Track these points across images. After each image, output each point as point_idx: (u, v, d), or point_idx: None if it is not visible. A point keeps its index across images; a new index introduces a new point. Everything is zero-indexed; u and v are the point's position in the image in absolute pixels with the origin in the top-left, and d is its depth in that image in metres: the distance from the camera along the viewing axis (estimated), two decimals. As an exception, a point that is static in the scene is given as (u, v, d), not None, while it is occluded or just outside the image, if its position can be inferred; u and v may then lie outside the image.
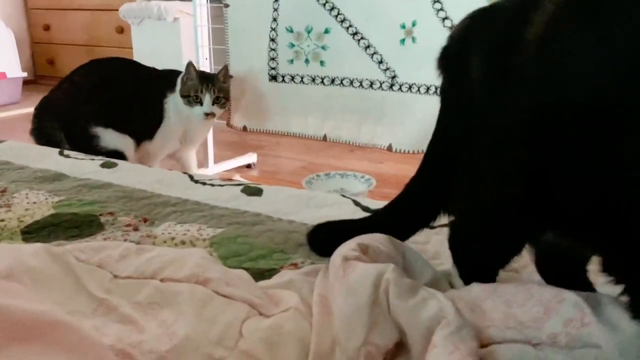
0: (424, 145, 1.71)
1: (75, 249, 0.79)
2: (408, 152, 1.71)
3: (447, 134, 0.72)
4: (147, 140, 1.92)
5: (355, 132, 1.85)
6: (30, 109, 3.47)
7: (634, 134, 0.50)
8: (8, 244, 0.89)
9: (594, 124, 0.52)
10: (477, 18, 0.67)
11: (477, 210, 0.67)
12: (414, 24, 1.65)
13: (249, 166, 2.36)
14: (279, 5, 1.86)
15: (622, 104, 0.50)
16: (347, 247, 0.71)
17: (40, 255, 0.76)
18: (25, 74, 3.59)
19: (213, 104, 1.85)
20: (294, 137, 1.99)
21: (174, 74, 1.93)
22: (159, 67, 1.96)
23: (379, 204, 1.05)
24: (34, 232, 0.96)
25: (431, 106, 1.70)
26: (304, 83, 1.90)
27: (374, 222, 0.82)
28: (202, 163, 2.23)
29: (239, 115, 2.08)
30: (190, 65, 1.87)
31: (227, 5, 1.96)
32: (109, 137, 1.79)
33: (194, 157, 2.08)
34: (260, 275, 0.79)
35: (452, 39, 0.70)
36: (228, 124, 2.11)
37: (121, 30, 3.65)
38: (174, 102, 1.90)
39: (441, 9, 1.59)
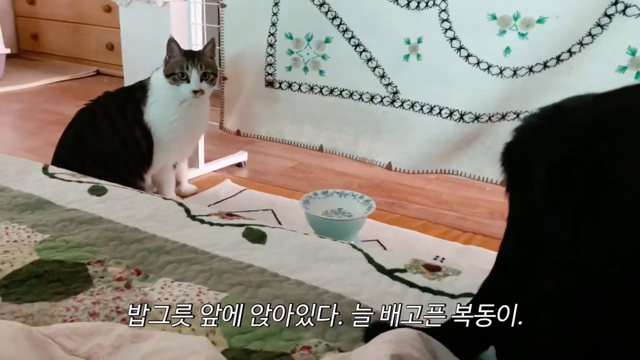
0: (424, 166, 1.62)
1: (61, 333, 0.67)
2: (408, 171, 1.60)
3: (512, 240, 0.60)
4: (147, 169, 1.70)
5: (352, 145, 1.72)
6: (14, 87, 3.27)
7: None
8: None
9: None
10: (547, 120, 0.54)
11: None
12: (419, 41, 1.52)
13: (239, 165, 2.22)
14: (278, 9, 1.70)
15: None
16: (379, 356, 0.60)
17: (19, 343, 0.64)
18: (8, 50, 3.34)
19: (201, 81, 1.62)
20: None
21: (134, 88, 1.72)
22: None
23: (392, 260, 0.94)
24: (13, 286, 0.84)
25: (434, 127, 1.58)
26: (301, 91, 1.76)
27: (438, 334, 0.67)
28: (193, 162, 2.08)
29: (233, 119, 1.94)
30: (171, 41, 1.64)
31: (223, 5, 1.79)
32: None
33: (186, 166, 1.93)
34: (270, 366, 0.67)
35: (515, 137, 0.57)
36: (221, 127, 1.96)
37: (109, 9, 3.41)
38: (155, 107, 1.67)
39: (449, 29, 1.45)
